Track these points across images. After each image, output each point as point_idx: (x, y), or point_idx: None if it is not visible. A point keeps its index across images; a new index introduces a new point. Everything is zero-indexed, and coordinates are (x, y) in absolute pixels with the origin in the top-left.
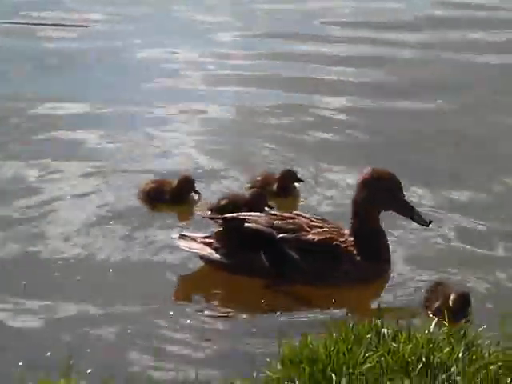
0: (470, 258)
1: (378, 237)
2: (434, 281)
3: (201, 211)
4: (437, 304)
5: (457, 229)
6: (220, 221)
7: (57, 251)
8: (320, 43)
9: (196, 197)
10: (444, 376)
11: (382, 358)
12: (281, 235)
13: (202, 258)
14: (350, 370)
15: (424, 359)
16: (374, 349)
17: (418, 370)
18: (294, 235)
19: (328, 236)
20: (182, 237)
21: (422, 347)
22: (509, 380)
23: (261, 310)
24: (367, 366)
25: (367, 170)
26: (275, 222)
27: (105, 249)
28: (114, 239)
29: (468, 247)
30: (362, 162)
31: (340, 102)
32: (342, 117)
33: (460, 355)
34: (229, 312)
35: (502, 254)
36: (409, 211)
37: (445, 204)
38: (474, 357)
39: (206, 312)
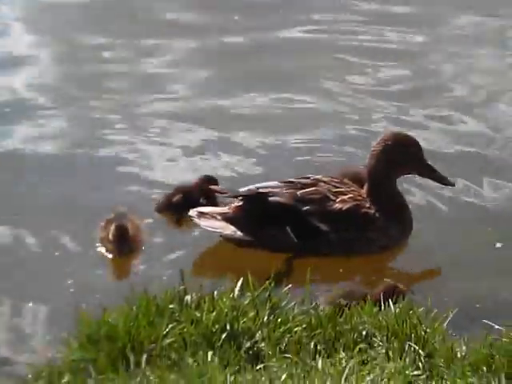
0: None
1: (402, 203)
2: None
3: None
4: None
5: None
6: (240, 197)
7: None
8: None
9: None
10: (249, 344)
11: (185, 330)
12: (306, 207)
13: (224, 236)
14: (153, 345)
15: (228, 327)
16: (178, 318)
17: (221, 339)
18: (319, 206)
19: (355, 203)
20: (201, 214)
21: (226, 315)
22: (312, 344)
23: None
24: (169, 340)
25: (386, 136)
26: (298, 192)
27: None
28: None
29: None
30: None
31: None
32: None
33: (265, 319)
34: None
35: None
36: (433, 174)
37: None
38: (279, 320)
39: None
